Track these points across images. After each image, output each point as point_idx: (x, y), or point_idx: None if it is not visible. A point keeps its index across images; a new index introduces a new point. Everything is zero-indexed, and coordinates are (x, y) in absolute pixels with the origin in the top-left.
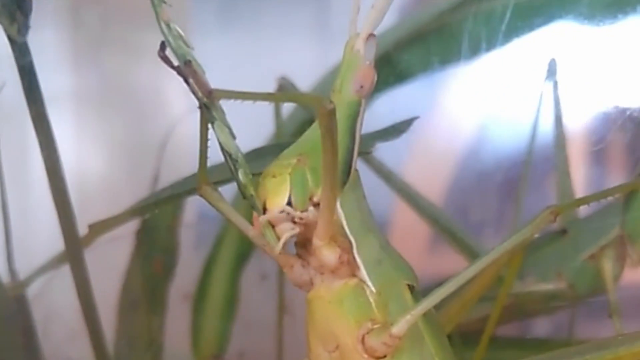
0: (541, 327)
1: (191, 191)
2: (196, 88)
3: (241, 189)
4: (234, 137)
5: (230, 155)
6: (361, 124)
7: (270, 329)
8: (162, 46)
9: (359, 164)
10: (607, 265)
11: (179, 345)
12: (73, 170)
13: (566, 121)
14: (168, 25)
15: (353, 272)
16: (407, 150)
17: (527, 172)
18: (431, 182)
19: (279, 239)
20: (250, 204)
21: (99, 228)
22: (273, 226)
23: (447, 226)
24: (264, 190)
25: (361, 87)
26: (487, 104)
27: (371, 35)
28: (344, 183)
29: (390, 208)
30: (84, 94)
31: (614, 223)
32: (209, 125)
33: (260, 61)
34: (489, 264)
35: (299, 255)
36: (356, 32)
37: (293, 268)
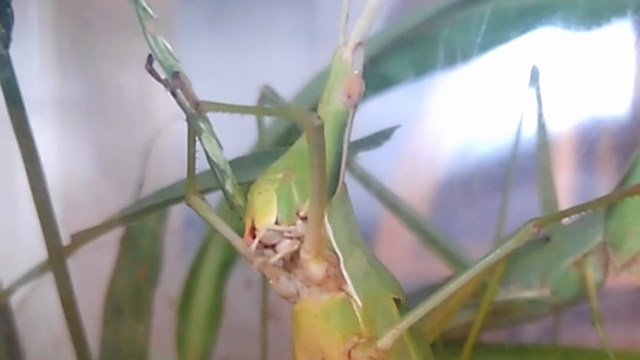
0: (531, 333)
1: (177, 199)
2: (184, 100)
3: (229, 199)
4: (221, 148)
5: (217, 166)
6: (349, 135)
7: (255, 334)
8: (150, 59)
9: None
10: (590, 273)
11: (164, 352)
12: (58, 177)
13: (550, 127)
14: (155, 38)
15: (340, 286)
16: (393, 158)
17: (511, 179)
18: (417, 190)
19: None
20: (237, 214)
21: (82, 237)
22: (266, 246)
23: (431, 235)
24: (252, 208)
25: (349, 96)
26: (473, 110)
27: (359, 44)
28: (332, 195)
29: (378, 212)
30: (69, 101)
31: (596, 231)
32: (196, 137)
33: (247, 67)
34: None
35: (285, 268)
36: (344, 41)
37: (279, 280)
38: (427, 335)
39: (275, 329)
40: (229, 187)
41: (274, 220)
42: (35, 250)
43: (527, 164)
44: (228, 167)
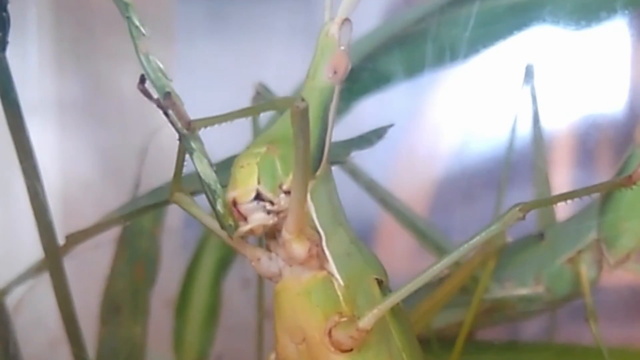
0: (528, 330)
1: (168, 200)
2: (175, 119)
3: (219, 219)
4: (212, 167)
5: (209, 186)
6: (335, 111)
7: (251, 333)
8: (142, 79)
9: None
10: (584, 270)
11: (161, 351)
12: (57, 177)
13: (545, 125)
14: (147, 58)
15: (322, 264)
16: (391, 156)
17: (506, 177)
18: (415, 188)
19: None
20: (229, 234)
21: (77, 238)
22: (245, 218)
23: (425, 232)
24: (233, 181)
25: (335, 72)
26: (470, 109)
27: (346, 20)
28: (315, 171)
29: (377, 212)
30: (68, 102)
31: (590, 228)
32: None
33: (245, 66)
34: (461, 265)
35: (268, 247)
36: (331, 17)
37: (260, 260)
38: (413, 325)
39: (271, 327)
40: (219, 207)
41: (254, 193)
42: (32, 250)
43: (523, 162)
44: (219, 187)
